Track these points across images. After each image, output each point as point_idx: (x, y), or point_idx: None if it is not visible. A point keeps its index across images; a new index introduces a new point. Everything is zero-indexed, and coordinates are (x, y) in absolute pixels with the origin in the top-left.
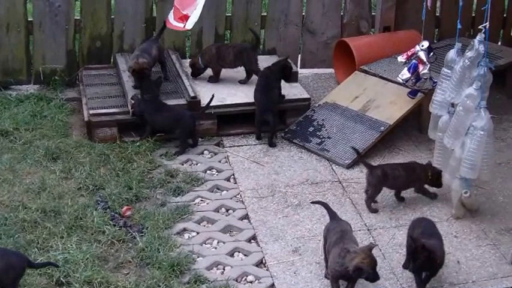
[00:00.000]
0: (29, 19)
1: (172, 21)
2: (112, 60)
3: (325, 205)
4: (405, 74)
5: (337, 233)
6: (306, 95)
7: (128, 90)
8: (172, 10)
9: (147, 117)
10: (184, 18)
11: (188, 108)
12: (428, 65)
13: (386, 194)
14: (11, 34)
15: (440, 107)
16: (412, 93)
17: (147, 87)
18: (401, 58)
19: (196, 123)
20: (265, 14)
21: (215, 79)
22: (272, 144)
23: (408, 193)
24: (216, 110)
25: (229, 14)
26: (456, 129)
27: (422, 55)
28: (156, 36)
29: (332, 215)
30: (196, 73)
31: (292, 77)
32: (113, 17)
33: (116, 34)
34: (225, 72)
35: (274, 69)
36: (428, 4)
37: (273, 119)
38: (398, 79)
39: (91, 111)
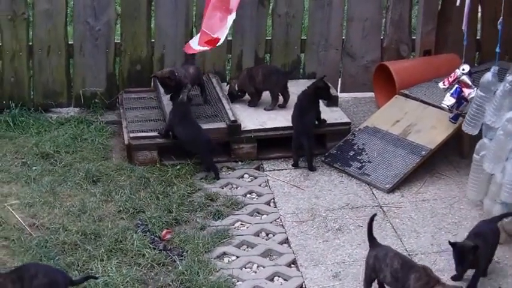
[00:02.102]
0: (70, 42)
1: (196, 46)
2: (152, 83)
3: (369, 230)
4: (449, 99)
5: (394, 258)
6: (346, 119)
7: (167, 112)
8: (198, 35)
9: (173, 126)
10: (214, 42)
11: (228, 132)
12: (475, 88)
13: (427, 219)
14: (51, 57)
15: (472, 127)
16: (454, 118)
17: (177, 99)
18: (442, 85)
19: (211, 149)
20: (305, 37)
21: (254, 102)
22: (312, 168)
23: (450, 218)
24: (256, 134)
25: (269, 38)
26: (496, 154)
27: (466, 79)
28: (192, 60)
29: (372, 241)
30: (232, 97)
31: (332, 101)
32: (153, 40)
33: (156, 57)
34: (266, 96)
35: (309, 91)
36: (463, 28)
37: (307, 143)
38: (443, 105)
39: (131, 134)
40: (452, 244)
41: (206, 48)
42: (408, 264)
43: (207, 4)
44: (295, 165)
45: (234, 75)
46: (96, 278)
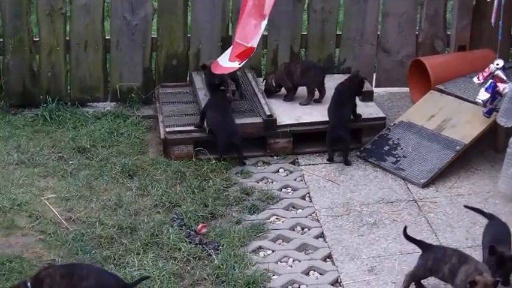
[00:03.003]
0: (107, 37)
1: (226, 64)
2: (188, 78)
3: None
4: (484, 95)
5: (453, 254)
6: (381, 114)
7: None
8: (229, 50)
9: (205, 112)
10: (248, 52)
11: (264, 127)
12: (510, 83)
13: (462, 213)
14: (88, 52)
15: (506, 119)
16: (488, 112)
17: (215, 87)
18: (477, 80)
19: (234, 141)
20: (341, 32)
21: (290, 97)
22: (347, 163)
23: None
24: (292, 129)
25: (305, 33)
26: None
27: (500, 74)
28: None
29: (421, 244)
30: (269, 93)
31: (367, 96)
32: (189, 35)
33: (192, 52)
34: (302, 91)
35: (346, 83)
36: (492, 21)
37: (345, 136)
38: (478, 100)
39: (167, 129)
40: (492, 251)
41: (237, 64)
42: (463, 258)
43: (242, 10)
44: (330, 160)
45: (269, 70)
46: (149, 278)
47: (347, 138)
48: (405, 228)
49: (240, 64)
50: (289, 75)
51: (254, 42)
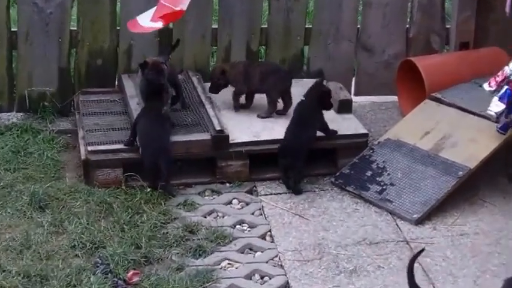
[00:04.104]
0: (13, 29)
1: (146, 23)
2: (117, 82)
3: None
4: (497, 105)
5: None
6: (362, 130)
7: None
8: (153, 9)
9: (137, 123)
10: (175, 15)
11: (213, 145)
12: None
13: (467, 258)
14: None
15: None
16: (503, 128)
17: (150, 93)
18: (488, 86)
19: (159, 161)
20: (310, 26)
21: (237, 104)
22: (297, 191)
23: (496, 257)
24: (249, 148)
25: (265, 26)
26: None
27: None
28: (167, 53)
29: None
30: (215, 88)
31: (344, 107)
32: (118, 28)
33: (122, 49)
34: (260, 99)
35: (310, 94)
36: (507, 10)
37: (295, 163)
38: (489, 113)
39: (89, 148)
40: None
41: (160, 25)
42: None
43: None
44: (290, 188)
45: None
46: None
47: (298, 165)
48: (412, 263)
49: (163, 25)
50: (247, 78)
51: (183, 6)
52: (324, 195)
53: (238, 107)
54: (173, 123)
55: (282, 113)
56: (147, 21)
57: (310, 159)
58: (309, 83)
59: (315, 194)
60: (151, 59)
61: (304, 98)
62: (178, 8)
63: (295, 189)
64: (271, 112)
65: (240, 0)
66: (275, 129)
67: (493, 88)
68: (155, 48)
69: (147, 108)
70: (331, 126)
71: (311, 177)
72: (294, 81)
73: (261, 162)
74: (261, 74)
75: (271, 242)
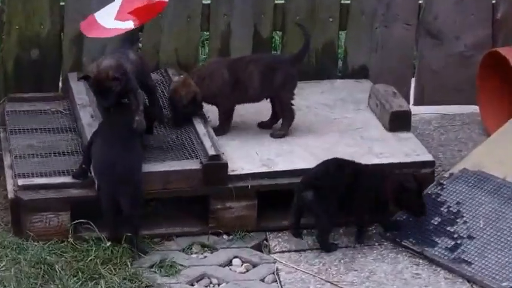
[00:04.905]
0: None
1: (109, 23)
2: (61, 84)
3: None
4: None
5: None
6: (426, 156)
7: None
8: (119, 3)
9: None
10: (155, 8)
11: (204, 178)
12: None
13: None
14: None
15: None
16: None
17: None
18: None
19: (120, 195)
20: (348, 1)
21: (225, 129)
22: (327, 247)
23: None
24: (256, 182)
25: (281, 1)
26: None
27: None
28: (131, 41)
29: None
30: (179, 117)
31: (400, 121)
32: (62, 3)
33: (69, 36)
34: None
35: None
36: None
37: (312, 199)
38: None
39: (20, 181)
40: None
41: (130, 25)
42: None
43: None
44: (296, 234)
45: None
46: None
47: (328, 207)
48: None
49: (136, 25)
50: (240, 84)
51: None
52: (368, 252)
53: (221, 130)
54: (146, 143)
55: (267, 125)
56: (111, 19)
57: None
58: (345, 84)
59: (355, 252)
60: (96, 68)
61: None
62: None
63: (322, 243)
64: (288, 126)
65: None
66: (295, 154)
67: None
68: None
69: (107, 122)
70: (380, 148)
71: (349, 226)
72: (322, 82)
73: (274, 203)
74: (260, 73)
75: None
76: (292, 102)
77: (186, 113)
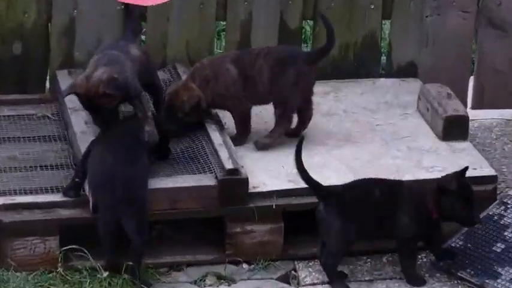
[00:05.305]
0: None
1: None
2: (48, 83)
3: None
4: None
5: None
6: (487, 170)
7: (82, 149)
8: None
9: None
10: None
11: (220, 197)
12: None
13: None
14: None
15: None
16: None
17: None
18: None
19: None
20: None
21: (244, 137)
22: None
23: None
24: (283, 202)
25: None
26: None
27: None
28: (134, 33)
29: None
30: (179, 127)
31: (455, 128)
32: None
33: (58, 26)
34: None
35: None
36: None
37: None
38: None
39: (0, 200)
40: None
41: None
42: None
43: None
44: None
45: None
46: None
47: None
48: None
49: None
50: (250, 84)
51: None
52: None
53: (240, 139)
54: (153, 155)
55: (294, 133)
56: None
57: None
58: (389, 84)
59: (401, 284)
60: (85, 82)
61: None
62: None
63: (326, 271)
64: (279, 135)
65: None
66: (329, 167)
67: None
68: (118, 23)
69: (107, 130)
70: (431, 161)
71: (393, 253)
72: (362, 81)
73: (304, 226)
74: (270, 68)
75: None
76: (312, 106)
77: (187, 122)
